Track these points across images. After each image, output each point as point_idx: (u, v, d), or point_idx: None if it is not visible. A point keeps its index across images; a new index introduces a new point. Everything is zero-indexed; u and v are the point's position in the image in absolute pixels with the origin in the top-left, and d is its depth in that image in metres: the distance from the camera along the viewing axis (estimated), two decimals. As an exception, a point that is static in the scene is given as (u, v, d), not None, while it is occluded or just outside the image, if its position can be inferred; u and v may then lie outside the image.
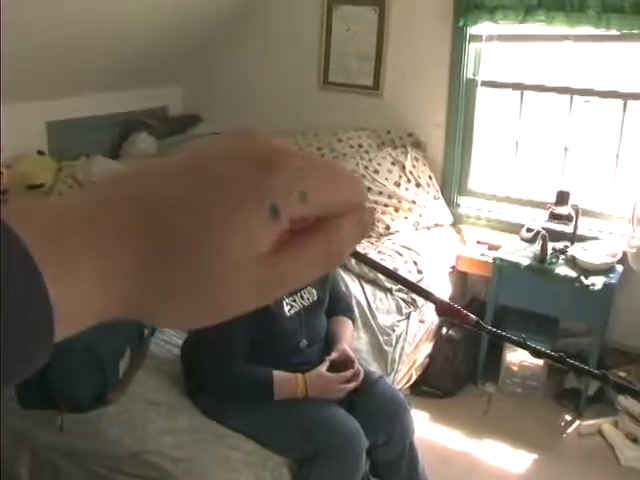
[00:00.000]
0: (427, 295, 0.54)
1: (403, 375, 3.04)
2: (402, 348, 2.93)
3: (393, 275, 0.57)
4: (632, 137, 3.36)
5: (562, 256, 3.22)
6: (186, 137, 4.20)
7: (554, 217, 3.26)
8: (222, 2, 3.93)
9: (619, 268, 3.17)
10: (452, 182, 3.78)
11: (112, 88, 3.89)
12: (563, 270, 3.12)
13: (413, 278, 3.12)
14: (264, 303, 0.33)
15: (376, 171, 3.58)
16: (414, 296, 3.04)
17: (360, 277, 3.05)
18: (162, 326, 2.05)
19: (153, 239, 0.30)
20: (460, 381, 3.40)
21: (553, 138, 3.60)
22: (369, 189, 3.48)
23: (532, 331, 3.22)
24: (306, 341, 2.19)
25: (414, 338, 3.08)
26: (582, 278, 3.04)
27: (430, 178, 3.71)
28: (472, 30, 3.51)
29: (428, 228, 3.62)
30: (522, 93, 3.57)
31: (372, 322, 2.88)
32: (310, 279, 0.34)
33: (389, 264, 3.09)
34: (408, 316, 3.05)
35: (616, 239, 3.32)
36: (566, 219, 3.26)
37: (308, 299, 2.21)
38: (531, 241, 3.35)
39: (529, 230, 3.42)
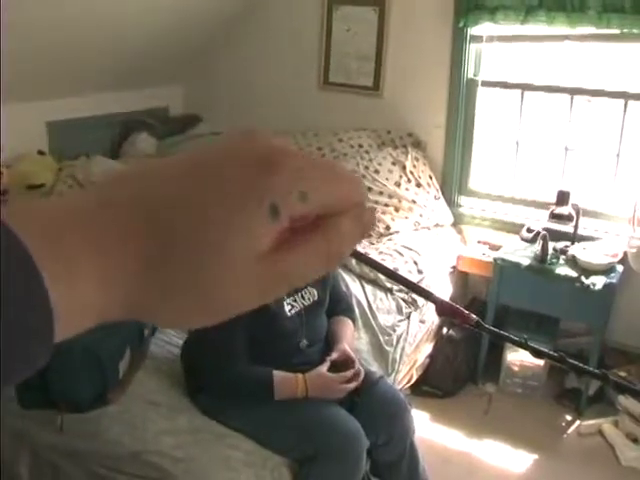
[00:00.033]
0: (427, 295, 0.54)
1: (404, 375, 3.04)
2: (403, 348, 2.93)
3: (393, 275, 0.57)
4: (633, 137, 3.35)
5: (563, 256, 3.22)
6: (186, 137, 4.20)
7: (555, 217, 3.26)
8: (222, 2, 3.94)
9: (619, 268, 3.17)
10: (453, 182, 3.78)
11: (112, 88, 3.89)
12: (564, 270, 3.12)
13: (414, 278, 3.12)
14: (264, 302, 0.33)
15: (376, 171, 3.58)
16: (415, 296, 3.04)
17: (361, 277, 3.05)
18: (162, 326, 2.05)
19: (153, 239, 0.30)
20: (460, 381, 3.40)
21: (554, 138, 3.59)
22: (369, 189, 3.48)
23: (533, 331, 3.23)
24: (306, 341, 2.19)
25: (415, 338, 3.08)
26: (582, 278, 3.04)
27: (430, 178, 3.71)
28: (472, 30, 3.51)
29: (429, 228, 3.62)
30: (523, 93, 3.57)
31: (373, 322, 2.88)
32: (310, 278, 0.34)
33: (389, 264, 3.09)
34: (409, 316, 3.05)
35: (616, 239, 3.32)
36: (567, 219, 3.26)
37: (309, 299, 2.21)
38: (532, 241, 3.35)
39: (530, 230, 3.42)
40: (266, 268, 0.31)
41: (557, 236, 3.30)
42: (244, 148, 0.33)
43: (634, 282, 3.31)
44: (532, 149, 3.68)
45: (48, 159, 3.56)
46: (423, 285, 3.02)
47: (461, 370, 3.38)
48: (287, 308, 2.15)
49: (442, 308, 0.53)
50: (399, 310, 3.02)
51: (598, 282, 3.02)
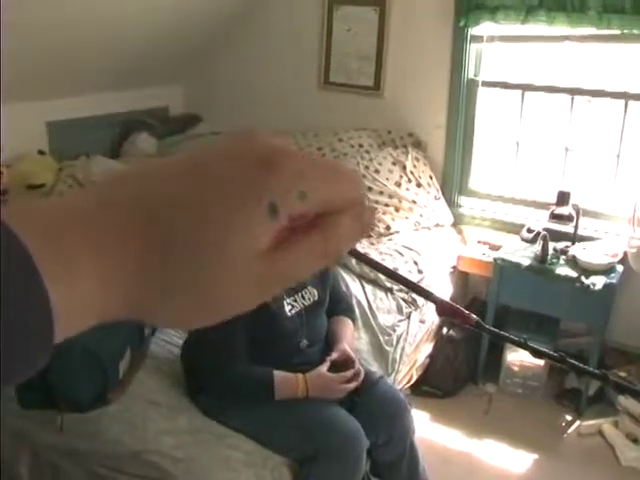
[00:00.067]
0: (428, 295, 0.54)
1: (404, 375, 3.04)
2: (403, 348, 2.93)
3: (393, 275, 0.57)
4: (633, 137, 3.36)
5: (563, 256, 3.22)
6: (186, 137, 4.20)
7: (555, 217, 3.26)
8: (222, 2, 3.94)
9: (619, 268, 3.17)
10: (453, 182, 3.78)
11: (112, 88, 3.89)
12: (564, 270, 3.12)
13: (414, 278, 3.12)
14: (263, 300, 0.33)
15: (377, 171, 3.58)
16: (415, 296, 3.04)
17: (361, 277, 3.05)
18: (162, 326, 2.05)
19: (153, 239, 0.30)
20: (461, 381, 3.40)
21: (554, 138, 3.60)
22: (370, 189, 3.48)
23: (533, 331, 3.23)
24: (307, 341, 2.19)
25: (415, 338, 3.08)
26: (583, 278, 3.04)
27: (431, 178, 3.71)
28: (473, 30, 3.51)
29: (429, 228, 3.62)
30: (523, 93, 3.57)
31: (373, 322, 2.88)
32: (308, 275, 0.34)
33: (390, 264, 3.09)
34: (409, 316, 3.05)
35: (617, 239, 3.32)
36: (567, 219, 3.26)
37: (309, 299, 2.21)
38: (532, 241, 3.35)
39: (530, 230, 3.42)
40: (265, 267, 0.31)
41: (557, 236, 3.30)
42: (244, 148, 0.33)
43: (634, 282, 3.30)
44: (532, 149, 3.68)
45: (48, 159, 3.56)
46: (423, 285, 3.02)
47: (461, 370, 3.38)
48: (287, 308, 2.15)
49: (442, 308, 0.53)
50: (399, 310, 3.02)
51: (598, 282, 3.02)
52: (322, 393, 2.09)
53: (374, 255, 3.20)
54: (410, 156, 3.68)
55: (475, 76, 3.64)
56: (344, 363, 2.17)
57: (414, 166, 3.66)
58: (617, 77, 3.37)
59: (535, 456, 2.97)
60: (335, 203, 0.33)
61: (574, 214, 3.24)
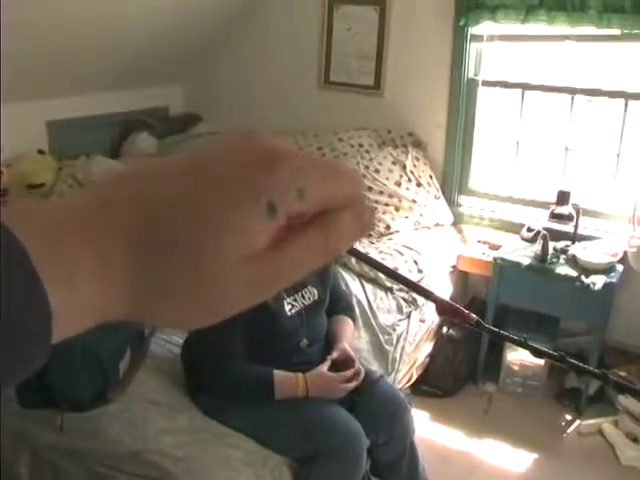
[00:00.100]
0: (427, 294, 0.54)
1: (404, 375, 3.04)
2: (403, 347, 2.93)
3: (393, 274, 0.57)
4: (633, 137, 3.36)
5: (563, 256, 3.22)
6: (186, 137, 4.20)
7: (555, 217, 3.26)
8: (222, 2, 3.93)
9: (619, 267, 3.17)
10: (453, 182, 3.78)
11: (112, 88, 3.89)
12: (564, 270, 3.12)
13: (414, 277, 3.12)
14: (263, 299, 0.33)
15: (377, 170, 3.58)
16: (415, 295, 3.04)
17: (360, 276, 3.05)
18: (163, 326, 2.05)
19: (154, 238, 0.30)
20: (460, 381, 3.40)
21: (554, 138, 3.60)
22: (370, 189, 3.48)
23: (533, 330, 3.23)
24: (307, 340, 2.19)
25: (415, 337, 3.08)
26: (583, 277, 3.04)
27: (431, 177, 3.71)
28: (473, 30, 3.51)
29: (429, 228, 3.62)
30: (523, 93, 3.57)
31: (373, 321, 2.88)
32: (308, 273, 0.34)
33: (390, 263, 3.09)
34: (409, 315, 3.05)
35: (617, 238, 3.32)
36: (567, 219, 3.26)
37: (309, 298, 2.21)
38: (532, 241, 3.35)
39: (530, 230, 3.42)
40: (263, 265, 0.32)
41: (557, 236, 3.30)
42: (242, 147, 0.33)
43: (634, 281, 3.31)
44: (532, 149, 3.68)
45: (48, 158, 3.56)
46: (423, 284, 3.02)
47: (461, 369, 3.38)
48: (287, 307, 2.15)
49: (442, 307, 0.53)
50: (399, 309, 3.02)
51: (598, 281, 3.02)
52: (322, 392, 2.09)
53: (374, 254, 3.20)
54: (410, 155, 3.68)
55: (475, 75, 3.64)
56: (344, 362, 2.17)
57: (414, 165, 3.66)
58: (617, 76, 3.37)
59: (535, 455, 2.97)
60: (335, 202, 0.33)
61: (574, 213, 3.24)
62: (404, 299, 3.05)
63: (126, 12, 3.32)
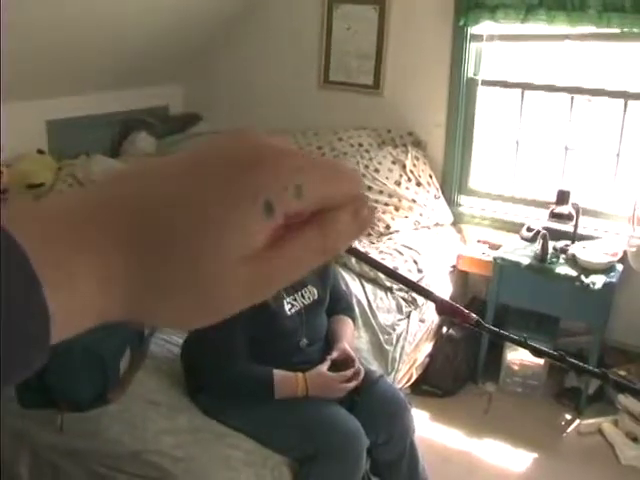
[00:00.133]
0: (427, 294, 0.54)
1: (403, 374, 3.04)
2: (402, 347, 2.93)
3: (393, 274, 0.57)
4: (633, 136, 3.36)
5: (562, 255, 3.22)
6: (186, 136, 4.20)
7: (554, 216, 3.26)
8: (222, 2, 3.93)
9: (619, 267, 3.18)
10: (452, 181, 3.78)
11: (112, 87, 3.89)
12: (563, 269, 3.12)
13: (413, 277, 3.12)
14: (261, 299, 0.33)
15: (376, 170, 3.58)
16: (414, 295, 3.04)
17: (360, 276, 3.05)
18: (162, 326, 2.05)
19: (153, 239, 0.30)
20: (460, 380, 3.40)
21: (554, 137, 3.60)
22: (369, 188, 3.48)
23: (532, 330, 3.23)
24: (306, 340, 2.19)
25: (414, 337, 3.08)
26: (582, 277, 3.04)
27: (430, 177, 3.71)
28: (473, 29, 3.51)
29: (428, 227, 3.62)
30: (523, 92, 3.57)
31: (372, 321, 2.88)
32: (306, 272, 0.34)
33: (389, 263, 3.09)
34: (408, 315, 3.05)
35: (616, 238, 3.32)
36: (566, 218, 3.26)
37: (309, 298, 2.21)
38: (532, 240, 3.35)
39: (530, 229, 3.42)
40: (261, 265, 0.31)
41: (557, 235, 3.30)
42: (238, 147, 0.33)
43: (634, 281, 3.31)
44: (532, 148, 3.68)
45: (48, 158, 3.56)
46: (423, 284, 3.02)
47: (461, 369, 3.38)
48: (287, 307, 2.15)
49: (442, 307, 0.53)
50: (399, 309, 3.02)
51: (598, 281, 3.02)
52: (322, 392, 2.09)
53: (374, 254, 3.20)
54: (410, 155, 3.68)
55: (475, 75, 3.64)
56: (344, 362, 2.17)
57: (414, 165, 3.66)
58: (617, 76, 3.37)
59: (535, 455, 2.97)
60: (333, 201, 0.33)
61: (574, 213, 3.24)
62: (404, 299, 3.05)
63: (126, 12, 3.32)
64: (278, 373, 2.06)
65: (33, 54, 3.12)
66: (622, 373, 3.16)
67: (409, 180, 3.60)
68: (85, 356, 2.03)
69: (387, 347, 2.84)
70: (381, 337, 2.85)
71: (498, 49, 3.59)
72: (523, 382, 3.36)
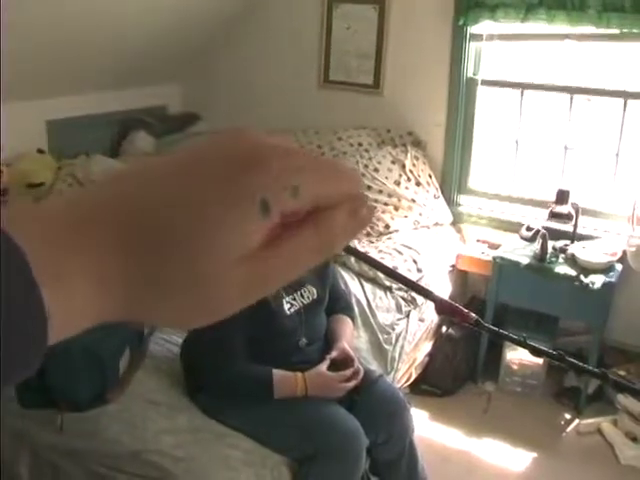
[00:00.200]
0: (427, 293, 0.54)
1: (403, 374, 3.04)
2: (402, 347, 2.93)
3: (393, 274, 0.57)
4: (632, 136, 3.36)
5: (562, 255, 3.22)
6: (185, 135, 4.19)
7: (554, 216, 3.27)
8: (222, 2, 3.93)
9: (619, 267, 3.18)
10: (452, 181, 3.78)
11: (112, 87, 3.89)
12: (563, 269, 3.12)
13: (413, 277, 3.12)
14: (257, 299, 0.33)
15: (376, 170, 3.58)
16: (414, 295, 3.04)
17: (360, 275, 3.05)
18: (162, 325, 2.05)
19: (152, 238, 0.30)
20: (460, 380, 3.40)
21: (553, 137, 3.60)
22: (369, 188, 3.48)
23: (532, 330, 3.23)
24: (306, 340, 2.19)
25: (414, 337, 3.08)
26: (582, 277, 3.04)
27: (430, 177, 3.71)
28: (472, 29, 3.51)
29: (428, 227, 3.62)
30: (522, 92, 3.57)
31: (372, 320, 2.88)
32: (303, 272, 0.34)
33: (389, 263, 3.09)
34: (408, 315, 3.05)
35: (616, 238, 3.32)
36: (566, 218, 3.26)
37: (308, 297, 2.21)
38: (531, 240, 3.35)
39: (529, 229, 3.42)
40: (258, 265, 0.31)
41: (556, 235, 3.30)
42: (234, 146, 0.33)
43: (633, 281, 3.31)
44: (532, 148, 3.69)
45: (47, 158, 3.56)
46: (422, 284, 3.02)
47: (460, 369, 3.39)
48: (286, 307, 2.15)
49: (441, 306, 0.53)
50: (398, 308, 3.02)
51: (597, 281, 3.02)
52: (321, 392, 2.09)
53: (373, 254, 3.20)
54: (409, 155, 3.68)
55: (474, 75, 3.64)
56: (343, 362, 2.17)
57: (413, 165, 3.66)
58: (616, 76, 3.38)
59: (534, 455, 2.97)
60: (330, 200, 0.33)
61: (573, 213, 3.24)
62: (403, 298, 3.05)
63: (126, 12, 3.32)
64: (277, 373, 2.06)
65: (33, 54, 3.12)
66: (621, 373, 3.16)
67: (408, 180, 3.60)
68: (84, 356, 2.03)
69: (386, 346, 2.84)
70: (380, 336, 2.85)
71: (498, 49, 3.59)
72: (522, 382, 3.36)
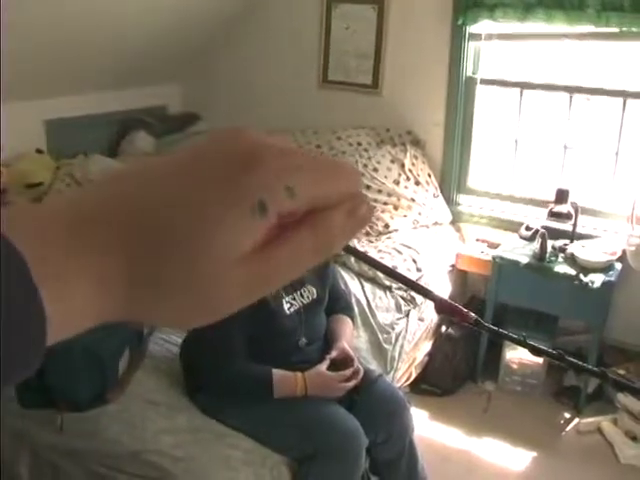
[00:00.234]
0: (426, 293, 0.54)
1: (402, 373, 3.04)
2: (401, 346, 2.93)
3: (392, 273, 0.57)
4: (631, 135, 3.36)
5: (561, 254, 3.22)
6: (185, 135, 4.19)
7: (553, 215, 3.27)
8: (222, 2, 3.93)
9: (618, 266, 3.18)
10: (451, 180, 3.78)
11: (111, 87, 3.89)
12: (562, 268, 3.13)
13: (412, 276, 3.12)
14: (255, 299, 0.33)
15: (375, 169, 3.58)
16: (413, 294, 3.05)
17: (359, 275, 3.05)
18: (162, 325, 2.05)
19: (152, 238, 0.30)
20: (459, 379, 3.41)
21: (552, 136, 3.60)
22: (368, 187, 3.48)
23: (531, 329, 3.23)
24: (305, 339, 2.19)
25: (413, 336, 3.08)
26: (581, 276, 3.04)
27: (429, 176, 3.71)
28: (471, 28, 3.51)
29: (427, 226, 3.62)
30: (521, 91, 3.57)
31: (371, 320, 2.88)
32: (300, 273, 0.34)
33: (388, 262, 3.09)
34: (407, 314, 3.05)
35: (615, 237, 3.32)
36: (565, 217, 3.26)
37: (308, 297, 2.21)
38: (530, 239, 3.35)
39: (528, 228, 3.42)
40: (255, 266, 0.31)
41: (556, 234, 3.30)
42: (231, 146, 0.33)
43: (633, 280, 3.31)
44: (531, 147, 3.69)
45: (46, 158, 3.56)
46: (422, 283, 3.02)
47: (460, 368, 3.39)
48: (286, 306, 2.15)
49: (441, 306, 0.53)
50: (398, 308, 3.02)
51: (597, 280, 3.02)
52: (321, 392, 2.09)
53: (373, 253, 3.20)
54: (409, 154, 3.68)
55: (473, 74, 3.64)
56: (343, 361, 2.17)
57: (412, 164, 3.66)
58: (616, 75, 3.38)
59: (534, 454, 2.97)
60: (328, 199, 0.33)
61: (573, 212, 3.24)
62: (403, 298, 3.05)
63: (126, 12, 3.32)
64: (277, 372, 2.06)
65: (33, 54, 3.12)
66: (621, 372, 3.16)
67: (408, 179, 3.60)
68: (84, 356, 2.03)
69: (386, 346, 2.84)
70: (380, 336, 2.85)
71: (497, 48, 3.59)
72: (522, 381, 3.36)
